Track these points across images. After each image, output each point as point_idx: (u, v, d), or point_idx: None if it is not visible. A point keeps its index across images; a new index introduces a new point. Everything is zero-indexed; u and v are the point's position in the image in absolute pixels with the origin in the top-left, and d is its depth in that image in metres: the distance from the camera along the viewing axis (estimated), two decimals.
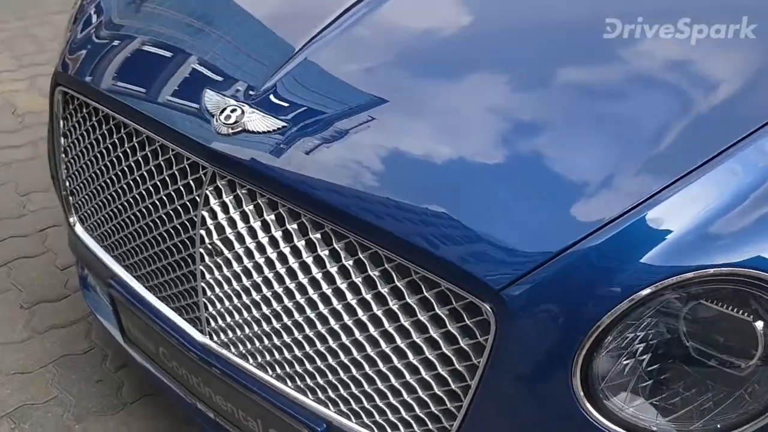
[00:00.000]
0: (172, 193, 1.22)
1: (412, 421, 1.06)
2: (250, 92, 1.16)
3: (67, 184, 1.52)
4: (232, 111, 1.13)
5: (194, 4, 1.42)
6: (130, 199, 1.31)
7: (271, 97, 1.14)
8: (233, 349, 1.24)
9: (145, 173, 1.26)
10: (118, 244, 1.41)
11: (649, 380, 0.91)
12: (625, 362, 0.91)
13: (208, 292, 1.21)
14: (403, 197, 0.98)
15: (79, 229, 1.52)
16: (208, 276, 1.19)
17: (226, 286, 1.18)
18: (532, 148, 1.00)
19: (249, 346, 1.21)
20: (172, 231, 1.24)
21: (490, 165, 0.99)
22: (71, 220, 1.54)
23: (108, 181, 1.35)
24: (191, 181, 1.18)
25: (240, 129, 1.11)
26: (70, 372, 1.86)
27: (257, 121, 1.11)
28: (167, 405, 1.75)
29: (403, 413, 1.06)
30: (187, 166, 1.19)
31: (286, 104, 1.13)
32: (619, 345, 0.90)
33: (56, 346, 1.94)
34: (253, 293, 1.15)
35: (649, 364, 0.91)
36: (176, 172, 1.21)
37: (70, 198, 1.53)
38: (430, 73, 1.14)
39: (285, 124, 1.09)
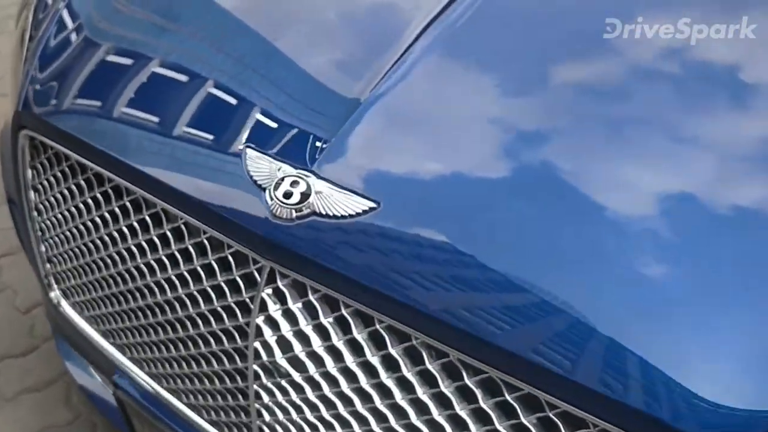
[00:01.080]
0: (208, 289, 0.90)
1: None
2: (310, 154, 0.84)
3: (43, 249, 1.17)
4: (293, 184, 0.81)
5: (212, 25, 1.05)
6: (142, 287, 0.98)
7: (345, 161, 0.83)
8: None
9: (164, 258, 0.94)
10: (123, 334, 1.09)
11: None
12: None
13: (266, 416, 0.91)
14: (582, 323, 0.69)
15: (66, 307, 1.19)
16: (266, 398, 0.90)
17: (294, 414, 0.89)
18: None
19: None
20: (209, 336, 0.93)
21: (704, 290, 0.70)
22: (52, 295, 1.20)
23: (106, 259, 1.02)
24: (238, 278, 0.87)
25: (308, 212, 0.80)
26: None
27: (331, 198, 0.80)
28: None
29: None
30: (229, 256, 0.87)
31: (368, 172, 0.82)
32: None
33: (32, 415, 1.60)
34: (338, 428, 0.86)
35: None
36: (213, 262, 0.89)
37: (48, 266, 1.19)
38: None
39: (374, 203, 0.78)
